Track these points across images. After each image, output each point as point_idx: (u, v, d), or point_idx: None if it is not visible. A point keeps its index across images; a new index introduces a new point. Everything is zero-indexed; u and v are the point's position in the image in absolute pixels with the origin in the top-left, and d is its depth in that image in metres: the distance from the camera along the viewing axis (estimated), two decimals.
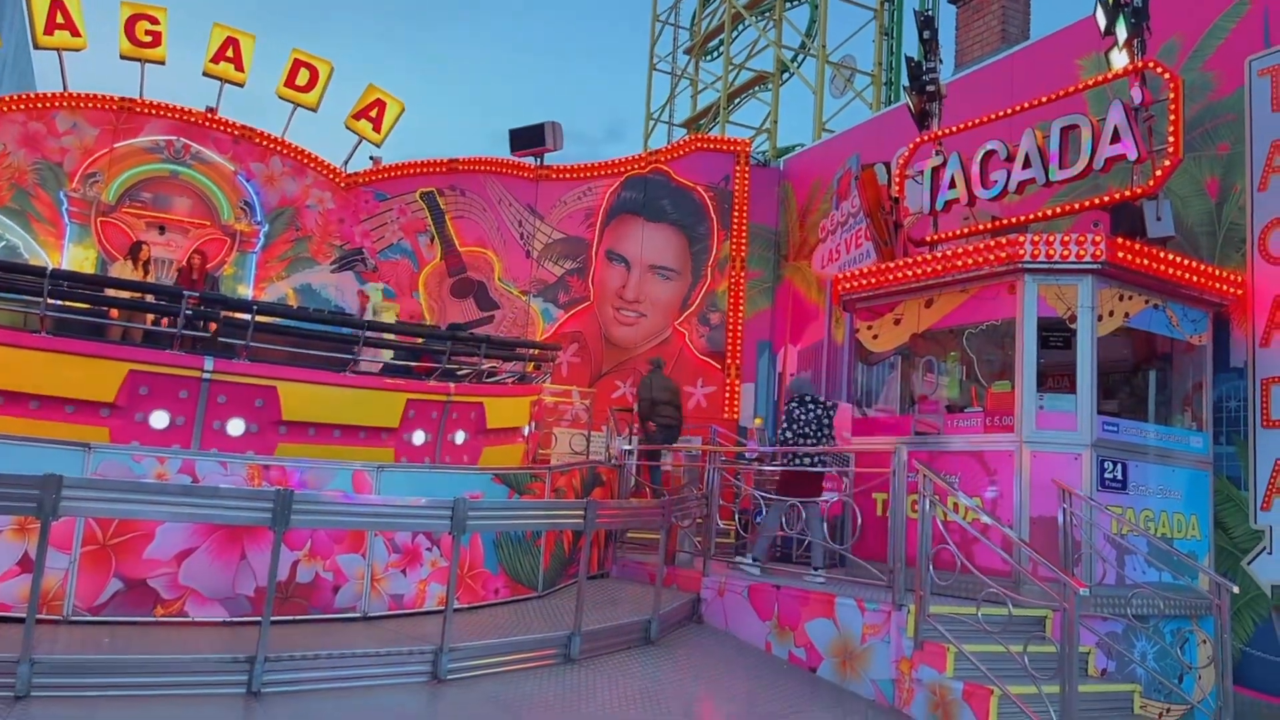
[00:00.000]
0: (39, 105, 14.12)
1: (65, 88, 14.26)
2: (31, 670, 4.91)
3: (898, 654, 6.65)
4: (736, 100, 25.94)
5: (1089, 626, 7.16)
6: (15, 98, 14.15)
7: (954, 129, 9.94)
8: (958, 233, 9.68)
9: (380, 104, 16.00)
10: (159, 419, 7.36)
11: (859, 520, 7.78)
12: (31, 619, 4.95)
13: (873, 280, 9.44)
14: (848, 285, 9.72)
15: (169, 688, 5.24)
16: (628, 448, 10.93)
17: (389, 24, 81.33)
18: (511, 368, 11.25)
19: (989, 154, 9.20)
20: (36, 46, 14.38)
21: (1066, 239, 7.83)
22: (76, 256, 13.89)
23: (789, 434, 8.54)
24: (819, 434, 8.46)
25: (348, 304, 15.28)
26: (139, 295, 8.86)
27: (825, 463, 8.44)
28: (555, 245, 16.09)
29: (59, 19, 14.02)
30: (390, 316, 13.26)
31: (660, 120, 29.06)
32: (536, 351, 11.95)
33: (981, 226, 9.59)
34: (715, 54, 27.37)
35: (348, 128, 15.91)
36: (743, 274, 15.27)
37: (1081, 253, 7.76)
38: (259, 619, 5.67)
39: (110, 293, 8.88)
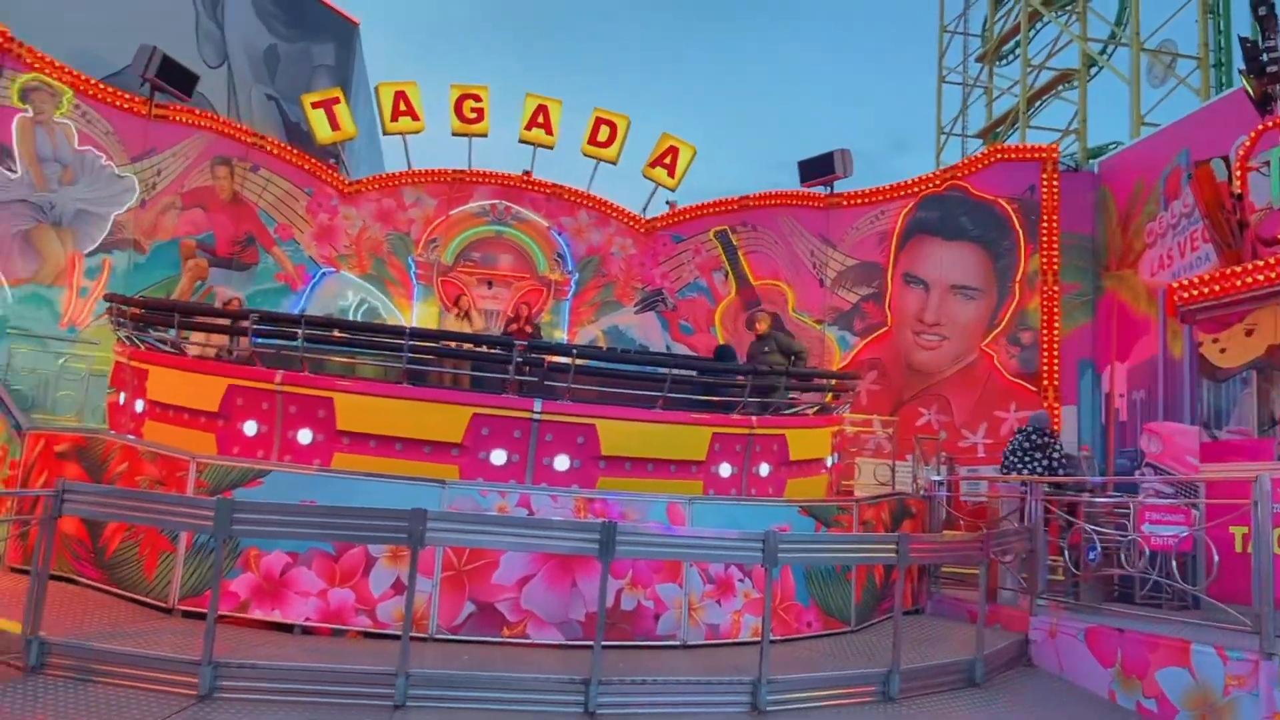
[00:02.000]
0: (389, 184, 16.33)
1: (409, 166, 16.39)
2: (407, 683, 5.63)
3: (1269, 709, 5.84)
4: (1037, 103, 24.32)
5: None
6: (370, 179, 16.47)
7: None
8: None
9: (673, 150, 16.80)
10: (498, 456, 8.18)
11: (1214, 558, 6.95)
12: (406, 637, 5.69)
13: (1216, 287, 8.46)
14: (1186, 295, 8.78)
15: (518, 703, 5.79)
16: (937, 478, 10.52)
17: (658, 63, 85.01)
18: (811, 398, 11.25)
19: None
20: (385, 133, 16.66)
21: None
22: (423, 313, 15.85)
23: (1005, 465, 9.79)
24: (1025, 460, 9.43)
25: (652, 343, 16.09)
26: (473, 345, 9.95)
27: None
28: (849, 272, 15.94)
29: (402, 107, 16.17)
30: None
31: (952, 134, 27.92)
32: (835, 381, 11.87)
33: None
34: (1011, 57, 25.88)
35: (645, 176, 16.85)
36: (1056, 288, 14.22)
37: None
38: (589, 643, 6.12)
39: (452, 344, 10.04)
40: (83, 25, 14.72)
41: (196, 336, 9.43)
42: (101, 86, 13.83)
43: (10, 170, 12.83)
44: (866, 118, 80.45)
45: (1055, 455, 9.33)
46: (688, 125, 19.39)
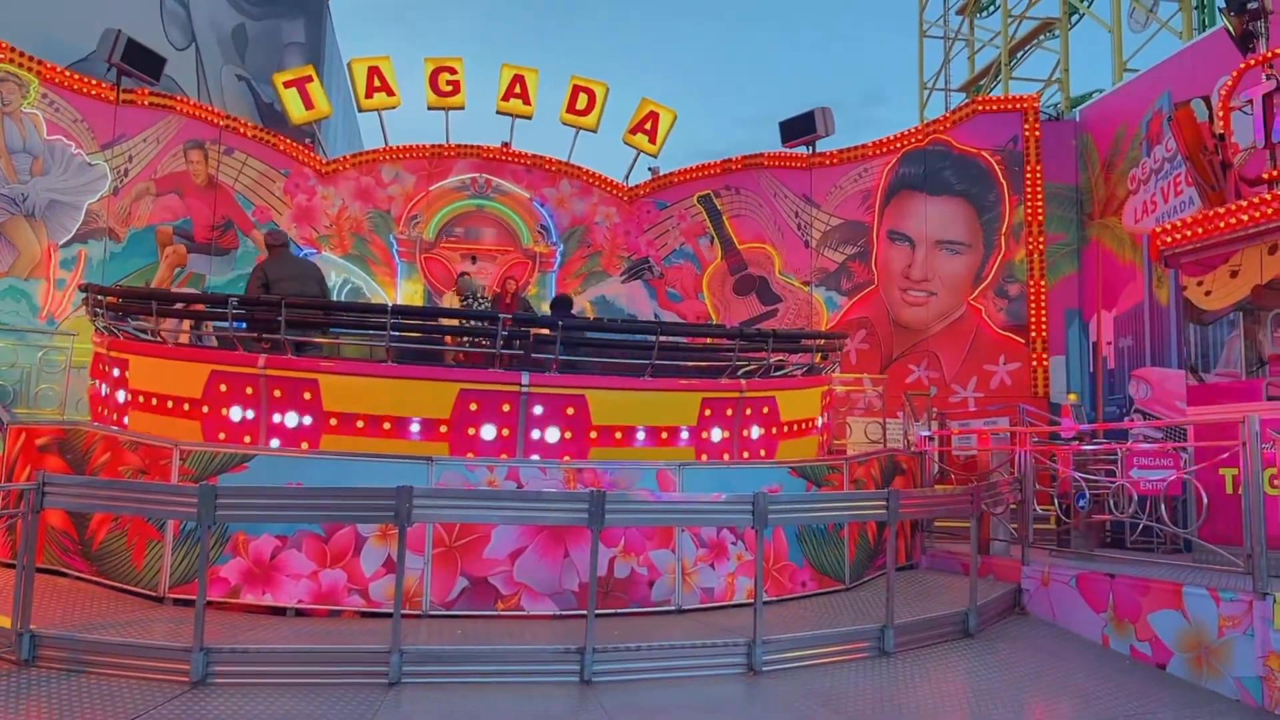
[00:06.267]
0: (367, 162, 16.13)
1: (386, 143, 16.19)
2: (401, 660, 5.61)
3: (1264, 649, 5.87)
4: (1019, 54, 24.12)
5: None
6: (347, 158, 16.27)
7: None
8: None
9: (653, 116, 16.62)
10: (488, 431, 8.12)
11: (1204, 501, 6.96)
12: (398, 614, 5.67)
13: (1200, 229, 8.40)
14: (1170, 238, 8.72)
15: (514, 675, 5.78)
16: (927, 433, 10.52)
17: (629, 24, 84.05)
18: (799, 360, 11.21)
19: None
20: (360, 110, 16.43)
21: None
22: (407, 291, 15.73)
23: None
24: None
25: (640, 312, 16.02)
26: (465, 322, 9.88)
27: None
28: (834, 232, 15.85)
29: (376, 83, 15.92)
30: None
31: (935, 88, 27.69)
32: (823, 342, 11.82)
33: None
34: (991, 8, 25.61)
35: (626, 143, 16.68)
36: (1041, 239, 14.18)
37: None
38: (583, 612, 6.10)
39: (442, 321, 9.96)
40: (43, 10, 14.42)
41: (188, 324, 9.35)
42: (67, 74, 13.59)
43: None
44: (837, 70, 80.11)
45: None
46: (662, 86, 19.17)
